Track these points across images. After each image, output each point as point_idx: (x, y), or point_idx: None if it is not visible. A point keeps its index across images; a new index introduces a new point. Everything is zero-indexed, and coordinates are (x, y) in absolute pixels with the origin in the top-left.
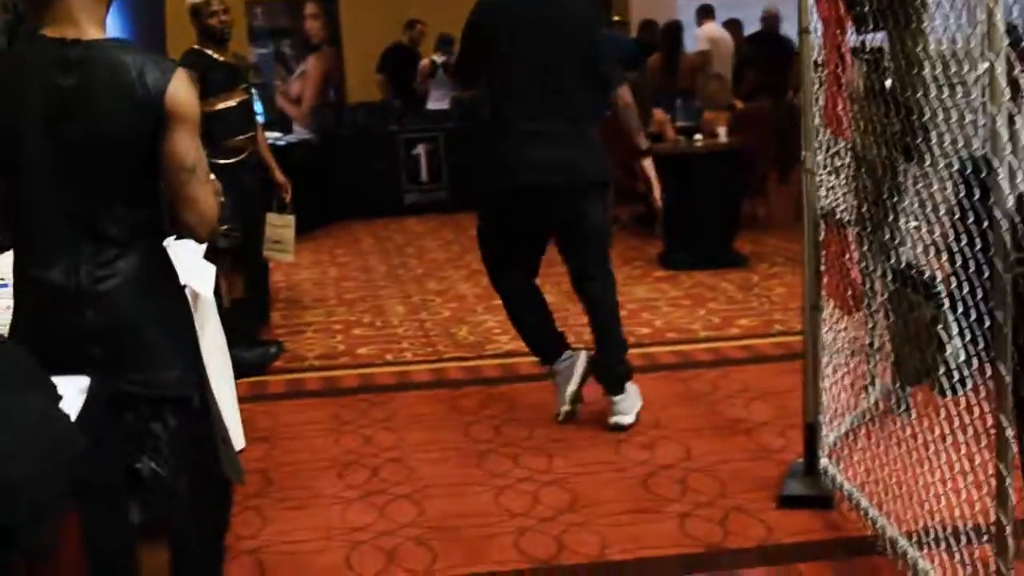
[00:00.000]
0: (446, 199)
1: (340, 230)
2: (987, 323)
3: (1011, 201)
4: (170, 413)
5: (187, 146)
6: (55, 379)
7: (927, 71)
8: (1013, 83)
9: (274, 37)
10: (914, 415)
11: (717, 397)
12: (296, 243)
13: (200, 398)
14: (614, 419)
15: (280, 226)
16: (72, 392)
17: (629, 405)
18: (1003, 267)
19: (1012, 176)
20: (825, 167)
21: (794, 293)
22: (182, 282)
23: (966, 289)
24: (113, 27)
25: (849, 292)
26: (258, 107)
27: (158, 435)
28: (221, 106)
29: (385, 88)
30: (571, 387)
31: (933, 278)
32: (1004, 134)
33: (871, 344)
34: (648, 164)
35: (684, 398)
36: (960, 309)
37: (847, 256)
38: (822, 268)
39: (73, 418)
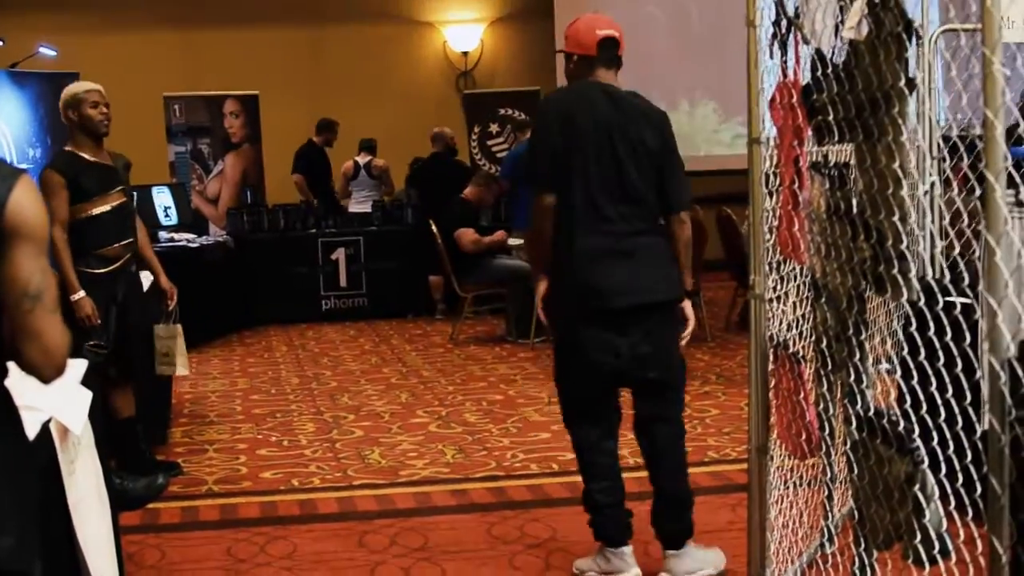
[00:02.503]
0: (365, 306)
1: (254, 336)
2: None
3: (1013, 349)
4: None
5: (31, 268)
6: None
7: (905, 190)
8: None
9: (192, 135)
10: None
11: (648, 537)
12: (207, 350)
13: (41, 570)
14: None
15: (166, 338)
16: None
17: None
18: (1000, 427)
19: (1016, 319)
20: (775, 292)
21: (729, 416)
22: (47, 416)
23: (950, 447)
24: (26, 116)
25: (803, 436)
26: (170, 208)
27: None
28: (95, 211)
29: (303, 189)
30: None
31: (909, 430)
32: (1004, 269)
33: (828, 497)
34: (688, 306)
35: None
36: (943, 470)
37: (802, 395)
38: (771, 405)
39: None
